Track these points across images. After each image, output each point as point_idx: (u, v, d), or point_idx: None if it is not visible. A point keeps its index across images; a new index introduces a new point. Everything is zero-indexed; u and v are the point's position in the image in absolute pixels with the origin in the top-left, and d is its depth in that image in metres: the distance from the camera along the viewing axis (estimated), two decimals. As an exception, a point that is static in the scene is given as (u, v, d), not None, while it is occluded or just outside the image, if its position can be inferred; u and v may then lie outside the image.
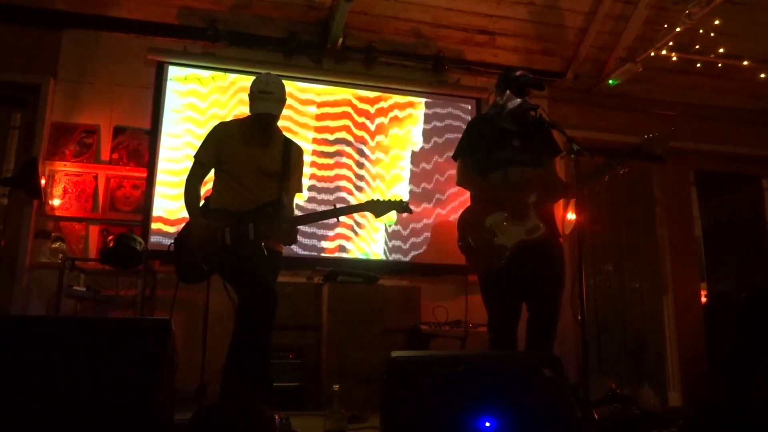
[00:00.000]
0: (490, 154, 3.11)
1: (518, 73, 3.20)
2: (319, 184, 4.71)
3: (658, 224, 5.61)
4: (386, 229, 4.76)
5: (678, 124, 5.42)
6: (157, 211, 4.37)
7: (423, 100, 5.07)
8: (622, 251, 5.51)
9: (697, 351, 5.26)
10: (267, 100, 3.03)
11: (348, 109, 4.88)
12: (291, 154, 3.20)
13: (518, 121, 3.16)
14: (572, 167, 2.95)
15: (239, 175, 3.09)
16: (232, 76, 4.68)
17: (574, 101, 5.37)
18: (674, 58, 5.00)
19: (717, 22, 4.78)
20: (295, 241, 3.13)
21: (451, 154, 3.34)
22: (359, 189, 4.78)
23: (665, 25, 4.74)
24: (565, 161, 3.51)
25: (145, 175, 4.39)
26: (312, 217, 3.43)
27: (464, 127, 3.55)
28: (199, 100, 4.61)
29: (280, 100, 3.09)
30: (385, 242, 4.74)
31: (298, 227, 3.09)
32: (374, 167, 4.85)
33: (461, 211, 3.23)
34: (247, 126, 3.16)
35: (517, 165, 3.08)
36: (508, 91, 3.13)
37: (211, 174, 3.21)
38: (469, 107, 5.15)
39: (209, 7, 4.61)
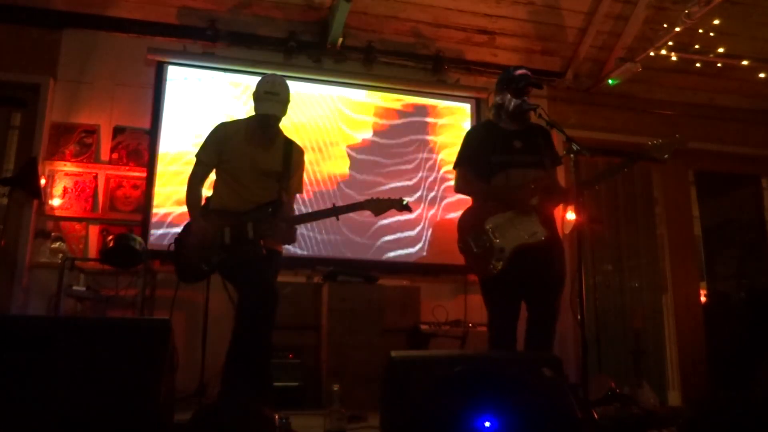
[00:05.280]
0: (490, 158, 3.08)
1: (517, 72, 3.18)
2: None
3: (657, 224, 5.60)
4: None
5: (678, 124, 5.43)
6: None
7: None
8: (622, 251, 5.51)
9: (697, 351, 5.25)
10: (272, 101, 3.04)
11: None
12: (292, 154, 3.21)
13: (519, 122, 3.15)
14: (572, 167, 2.94)
15: (239, 175, 3.10)
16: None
17: (574, 101, 5.37)
18: (674, 58, 5.00)
19: (716, 21, 4.78)
20: (294, 241, 3.14)
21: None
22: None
23: (665, 25, 4.74)
24: (565, 161, 3.50)
25: (144, 175, 4.39)
26: (311, 217, 3.42)
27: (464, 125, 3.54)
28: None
29: (284, 101, 3.10)
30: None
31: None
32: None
33: (462, 211, 3.23)
34: (250, 126, 3.17)
35: (519, 167, 3.05)
36: (507, 92, 3.13)
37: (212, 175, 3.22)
38: (469, 107, 5.16)
39: (209, 7, 4.60)
